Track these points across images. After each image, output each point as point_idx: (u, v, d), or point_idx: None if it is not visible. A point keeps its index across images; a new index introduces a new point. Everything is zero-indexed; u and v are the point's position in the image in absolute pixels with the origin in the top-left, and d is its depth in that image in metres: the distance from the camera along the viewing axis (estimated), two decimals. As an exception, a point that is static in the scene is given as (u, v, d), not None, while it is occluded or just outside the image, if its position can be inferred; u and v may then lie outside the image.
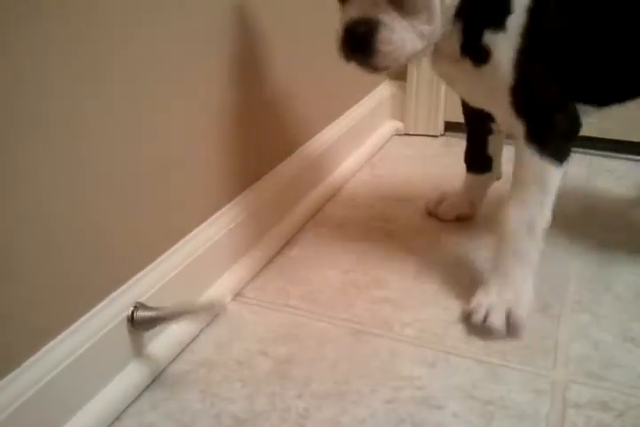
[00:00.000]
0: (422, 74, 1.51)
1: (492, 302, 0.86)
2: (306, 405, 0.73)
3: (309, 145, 1.17)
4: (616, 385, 0.76)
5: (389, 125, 1.56)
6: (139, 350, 0.76)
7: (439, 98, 1.53)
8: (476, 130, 1.08)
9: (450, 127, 1.55)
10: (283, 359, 0.80)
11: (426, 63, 1.34)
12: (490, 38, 0.81)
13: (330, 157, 1.25)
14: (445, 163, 1.39)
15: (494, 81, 0.83)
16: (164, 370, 0.78)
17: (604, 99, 0.90)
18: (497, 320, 0.84)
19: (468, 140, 1.11)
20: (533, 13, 0.79)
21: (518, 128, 0.84)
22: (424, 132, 1.57)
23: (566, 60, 0.83)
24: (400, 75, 1.54)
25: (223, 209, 0.91)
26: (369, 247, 1.06)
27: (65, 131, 0.61)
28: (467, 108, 1.06)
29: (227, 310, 0.77)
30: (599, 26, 0.83)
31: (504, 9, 0.79)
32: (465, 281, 0.96)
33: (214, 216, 0.89)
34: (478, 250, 1.04)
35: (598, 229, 1.10)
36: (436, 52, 0.85)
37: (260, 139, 0.99)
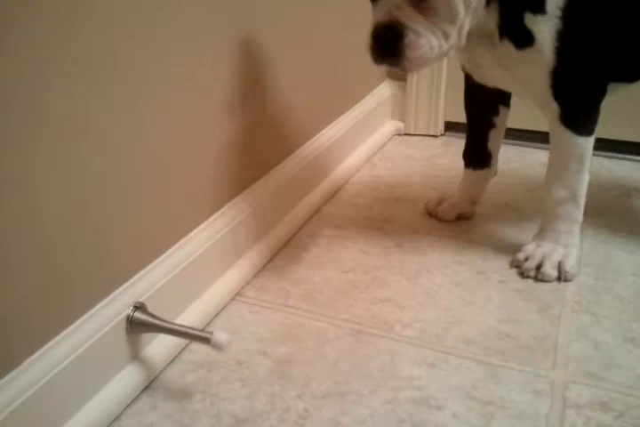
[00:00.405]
0: (422, 74, 1.51)
1: (545, 252, 0.97)
2: (305, 405, 0.73)
3: (309, 145, 1.17)
4: (616, 386, 0.76)
5: (390, 125, 1.56)
6: (138, 351, 0.76)
7: (439, 98, 1.53)
8: (478, 124, 1.08)
9: (450, 127, 1.55)
10: (282, 359, 0.80)
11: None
12: (531, 21, 0.84)
13: (330, 156, 1.25)
14: (445, 163, 1.39)
15: (536, 64, 0.86)
16: (163, 370, 0.78)
17: (635, 75, 0.96)
18: (551, 268, 0.95)
19: (469, 135, 1.11)
20: None
21: (553, 109, 0.90)
22: (424, 132, 1.57)
23: (603, 40, 0.86)
24: (400, 75, 1.54)
25: (223, 209, 0.92)
26: (368, 248, 1.06)
27: (64, 131, 0.61)
28: (471, 101, 1.07)
29: (226, 351, 0.75)
30: (631, 5, 0.86)
31: None
32: (465, 281, 0.96)
33: (214, 216, 0.89)
34: (478, 250, 1.04)
35: (598, 229, 1.10)
36: (469, 37, 0.85)
37: (260, 139, 0.99)
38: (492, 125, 1.07)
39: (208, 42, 0.82)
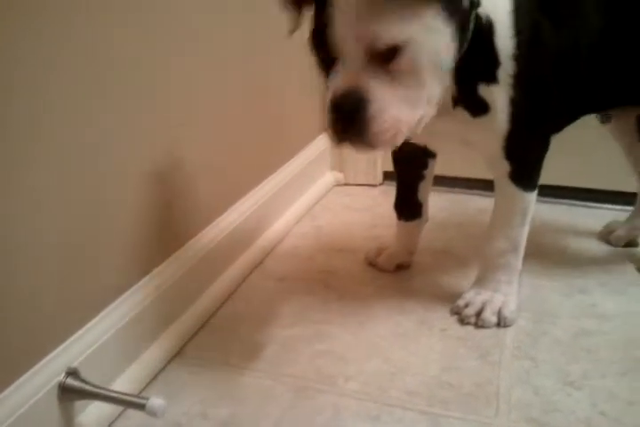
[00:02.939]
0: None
1: (485, 299, 0.98)
2: (248, 468, 0.71)
3: (248, 198, 1.17)
4: (557, 431, 0.77)
5: (329, 176, 1.58)
6: (71, 419, 0.73)
7: (377, 148, 1.56)
8: (408, 179, 1.10)
9: (388, 176, 1.58)
10: (223, 421, 0.78)
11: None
12: (485, 91, 0.85)
13: (270, 209, 1.25)
14: (385, 212, 1.41)
15: (491, 130, 0.88)
16: (98, 439, 0.75)
17: (564, 125, 1.00)
18: (491, 314, 0.97)
19: (399, 189, 1.13)
20: (519, 61, 0.83)
21: (503, 168, 0.92)
22: (363, 181, 1.59)
23: (550, 99, 0.89)
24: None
25: (158, 268, 0.90)
26: (311, 300, 1.05)
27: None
28: (400, 158, 1.08)
29: (162, 417, 0.72)
30: (572, 65, 0.90)
31: (494, 61, 0.83)
32: (408, 331, 0.96)
33: (148, 276, 0.88)
34: (419, 299, 1.05)
35: (535, 273, 1.13)
36: None
37: (197, 194, 0.99)
38: (421, 178, 1.09)
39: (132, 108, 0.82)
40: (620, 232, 1.24)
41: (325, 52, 0.74)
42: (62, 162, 0.69)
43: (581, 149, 1.37)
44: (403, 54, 0.71)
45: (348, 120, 0.72)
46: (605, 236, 1.26)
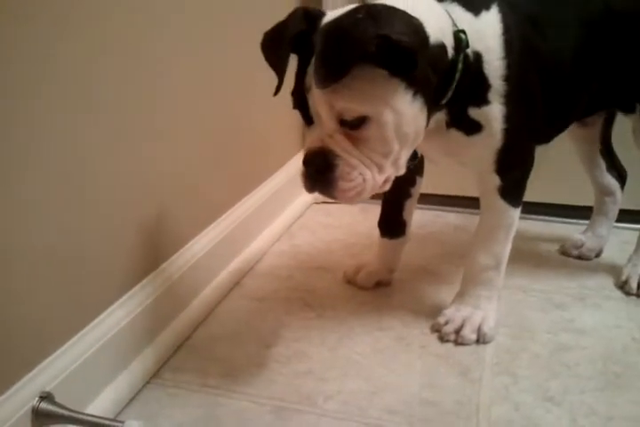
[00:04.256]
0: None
1: (465, 316, 0.98)
2: None
3: (227, 218, 1.17)
4: (538, 447, 0.76)
5: (307, 194, 1.58)
6: (44, 445, 0.71)
7: (354, 166, 1.56)
8: (395, 195, 1.10)
9: (366, 194, 1.59)
10: (201, 444, 0.77)
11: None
12: (476, 113, 0.87)
13: (248, 228, 1.24)
14: (363, 230, 1.41)
15: (484, 146, 0.90)
16: (73, 465, 0.73)
17: (552, 136, 1.05)
18: (470, 331, 0.97)
19: (385, 206, 1.13)
20: (509, 80, 0.86)
21: (493, 182, 0.94)
22: (342, 200, 1.59)
23: (539, 113, 0.93)
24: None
25: (134, 289, 0.88)
26: (289, 319, 1.04)
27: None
28: None
29: None
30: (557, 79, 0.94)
31: (484, 85, 0.86)
32: (387, 348, 0.96)
33: (122, 299, 0.86)
34: (398, 316, 1.05)
35: (513, 289, 1.13)
36: None
37: (173, 215, 0.98)
38: (408, 196, 1.10)
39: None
40: (590, 244, 1.26)
41: (305, 110, 0.80)
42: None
43: (555, 167, 1.39)
44: (369, 124, 0.76)
45: (318, 175, 0.79)
46: (570, 250, 1.28)
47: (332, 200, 0.82)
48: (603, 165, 1.24)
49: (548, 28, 0.93)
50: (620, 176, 1.25)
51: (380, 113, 0.76)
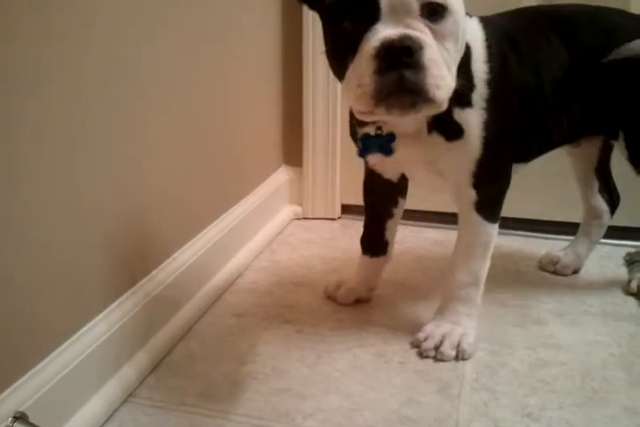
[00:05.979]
0: (318, 159, 1.56)
1: (444, 332, 0.98)
2: None
3: (207, 233, 1.16)
4: (517, 464, 0.76)
5: (288, 210, 1.58)
6: (18, 467, 0.69)
7: (335, 182, 1.58)
8: (377, 215, 1.11)
9: (346, 210, 1.59)
10: (178, 464, 0.76)
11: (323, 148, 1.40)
12: (460, 114, 0.87)
13: (228, 243, 1.24)
14: (343, 245, 1.41)
15: (463, 154, 0.90)
16: (47, 487, 0.72)
17: (531, 156, 1.04)
18: (450, 348, 0.97)
19: (367, 225, 1.13)
20: (491, 85, 0.87)
21: (469, 197, 0.94)
22: (322, 215, 1.60)
23: (519, 125, 0.93)
24: (296, 161, 1.58)
25: (110, 307, 0.87)
26: (268, 336, 1.04)
27: None
28: (371, 194, 1.10)
29: None
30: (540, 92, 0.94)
31: (469, 85, 0.85)
32: (366, 365, 0.96)
33: (99, 316, 0.85)
34: (378, 332, 1.05)
35: (491, 305, 1.13)
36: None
37: (153, 229, 0.98)
38: (390, 216, 1.10)
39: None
40: (566, 261, 1.27)
41: (361, 15, 0.72)
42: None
43: (536, 182, 1.40)
44: (448, 17, 0.73)
45: (407, 59, 0.69)
46: (547, 266, 1.29)
47: (405, 111, 0.72)
48: (595, 185, 1.22)
49: (526, 48, 0.94)
50: (612, 201, 1.23)
51: (459, 8, 0.75)
